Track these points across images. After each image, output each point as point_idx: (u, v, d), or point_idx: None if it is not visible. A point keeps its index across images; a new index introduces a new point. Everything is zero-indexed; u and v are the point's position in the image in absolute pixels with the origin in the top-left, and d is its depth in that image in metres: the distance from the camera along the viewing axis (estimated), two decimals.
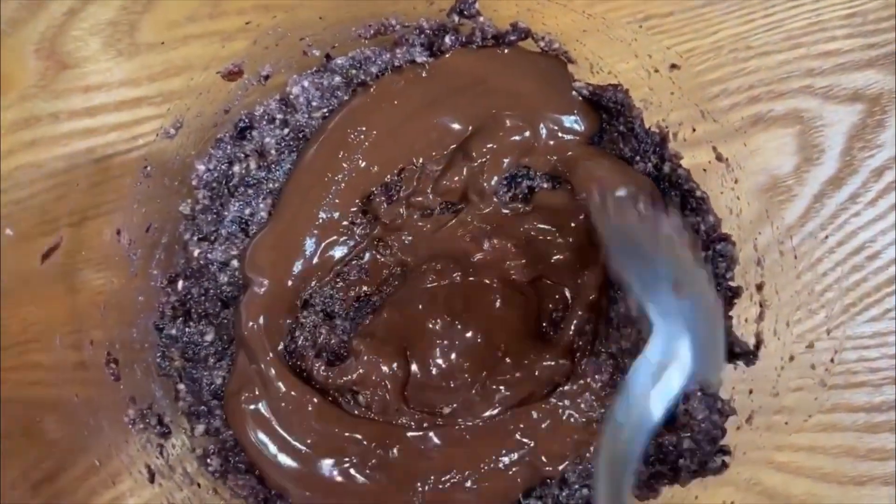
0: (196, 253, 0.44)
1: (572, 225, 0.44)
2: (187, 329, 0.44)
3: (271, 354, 0.42)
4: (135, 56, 0.45)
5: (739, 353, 0.40)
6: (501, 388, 0.44)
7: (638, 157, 0.43)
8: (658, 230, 0.36)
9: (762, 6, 0.44)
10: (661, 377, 0.33)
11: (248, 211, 0.45)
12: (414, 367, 0.44)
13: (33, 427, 0.42)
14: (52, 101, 0.45)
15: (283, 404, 0.42)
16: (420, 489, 0.42)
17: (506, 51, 0.44)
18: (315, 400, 0.43)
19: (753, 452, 0.42)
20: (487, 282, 0.46)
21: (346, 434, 0.43)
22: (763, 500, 0.42)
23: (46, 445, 0.43)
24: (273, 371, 0.42)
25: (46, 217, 0.44)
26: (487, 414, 0.43)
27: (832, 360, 0.38)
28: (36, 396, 0.44)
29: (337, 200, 0.44)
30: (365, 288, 0.46)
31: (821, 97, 0.43)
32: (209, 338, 0.44)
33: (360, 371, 0.44)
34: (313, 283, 0.45)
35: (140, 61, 0.45)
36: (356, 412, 0.44)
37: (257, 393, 0.42)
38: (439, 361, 0.45)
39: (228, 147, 0.45)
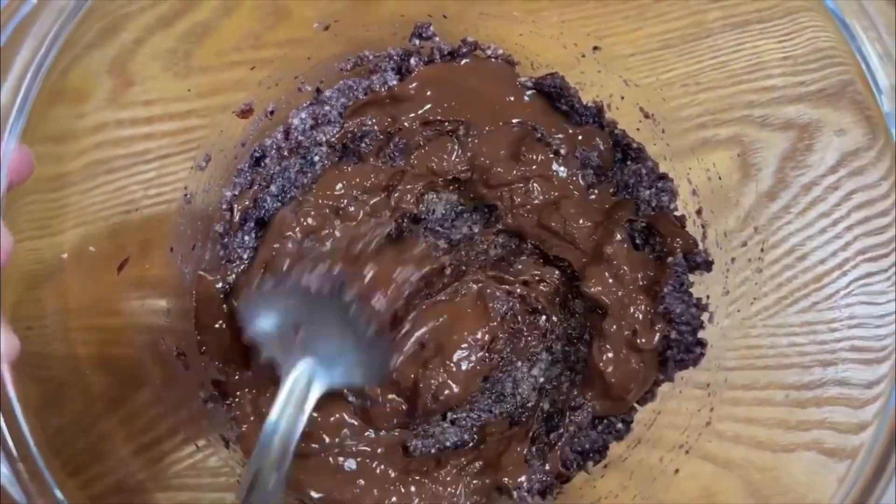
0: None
1: None
2: None
3: None
4: (188, 77, 0.54)
5: (700, 262, 0.52)
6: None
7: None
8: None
9: (710, 50, 0.52)
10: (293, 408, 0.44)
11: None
12: None
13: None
14: (119, 111, 0.54)
15: None
16: None
17: (462, 62, 0.56)
18: None
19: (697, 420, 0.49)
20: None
21: None
22: (706, 463, 0.48)
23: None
24: None
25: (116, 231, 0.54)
26: None
27: (762, 250, 0.49)
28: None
29: None
30: None
31: (758, 125, 0.51)
32: None
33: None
34: None
35: (191, 81, 0.54)
36: None
37: None
38: None
39: (247, 174, 0.56)
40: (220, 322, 0.54)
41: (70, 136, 0.49)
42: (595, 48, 0.53)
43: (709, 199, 0.52)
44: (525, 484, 0.50)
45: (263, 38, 0.55)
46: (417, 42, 0.55)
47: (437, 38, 0.55)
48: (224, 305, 0.54)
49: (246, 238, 0.56)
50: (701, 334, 0.51)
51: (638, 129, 0.55)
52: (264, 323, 0.48)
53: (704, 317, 0.52)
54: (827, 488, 0.39)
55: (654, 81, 0.53)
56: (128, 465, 0.48)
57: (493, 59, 0.56)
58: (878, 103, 0.39)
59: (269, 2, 0.54)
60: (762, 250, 0.50)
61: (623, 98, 0.55)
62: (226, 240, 0.56)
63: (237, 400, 0.53)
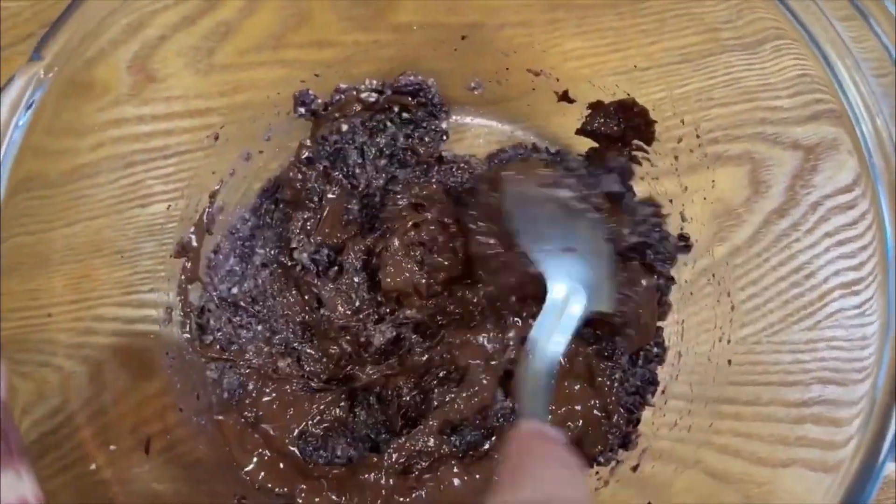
0: None
1: None
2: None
3: None
4: (209, 75, 0.55)
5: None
6: None
7: None
8: (554, 194, 0.47)
9: (724, 67, 0.53)
10: (559, 322, 0.45)
11: None
12: None
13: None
14: (140, 106, 0.55)
15: None
16: None
17: None
18: None
19: (698, 434, 0.49)
20: None
21: None
22: (705, 477, 0.48)
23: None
24: None
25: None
26: None
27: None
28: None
29: None
30: None
31: (770, 142, 0.52)
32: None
33: None
34: None
35: (213, 79, 0.55)
36: None
37: None
38: None
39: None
40: (260, 449, 0.54)
41: (89, 129, 0.50)
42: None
43: (719, 215, 0.52)
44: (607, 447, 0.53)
45: (285, 39, 0.56)
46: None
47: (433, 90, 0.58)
48: (255, 435, 0.55)
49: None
50: (705, 348, 0.52)
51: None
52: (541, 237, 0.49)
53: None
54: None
55: (667, 96, 0.53)
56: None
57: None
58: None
59: (292, 3, 0.54)
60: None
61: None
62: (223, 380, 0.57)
63: None
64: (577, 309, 0.46)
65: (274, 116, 0.58)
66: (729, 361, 0.51)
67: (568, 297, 0.46)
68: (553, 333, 0.45)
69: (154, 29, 0.56)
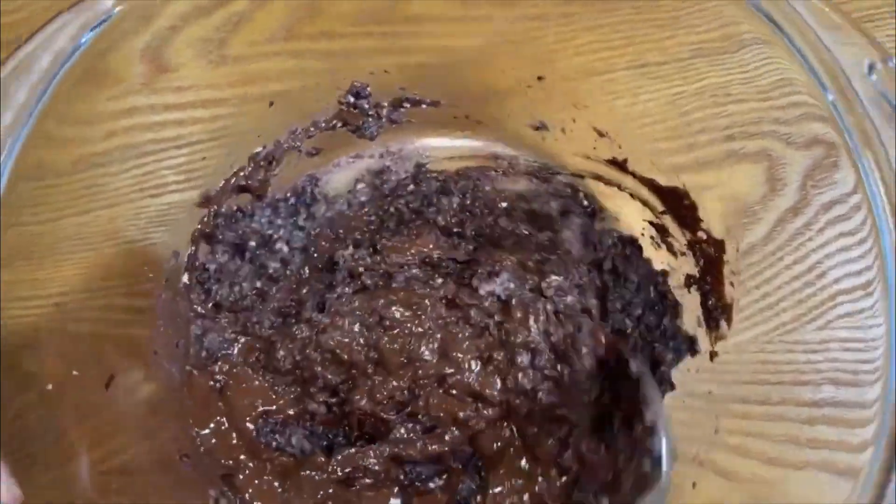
0: None
1: None
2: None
3: None
4: (221, 66, 0.55)
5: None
6: None
7: None
8: None
9: (738, 64, 0.52)
10: None
11: None
12: None
13: None
14: (151, 96, 0.55)
15: None
16: None
17: None
18: None
19: (707, 432, 0.49)
20: None
21: None
22: (713, 476, 0.48)
23: None
24: None
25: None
26: None
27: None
28: None
29: None
30: None
31: (784, 140, 0.51)
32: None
33: None
34: None
35: (224, 70, 0.55)
36: None
37: None
38: None
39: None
40: (219, 417, 0.54)
41: (100, 118, 0.50)
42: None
43: (732, 213, 0.52)
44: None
45: (296, 31, 0.55)
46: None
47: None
48: (220, 403, 0.55)
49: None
50: (718, 346, 0.52)
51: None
52: None
53: None
54: None
55: (685, 91, 0.53)
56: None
57: None
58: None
59: None
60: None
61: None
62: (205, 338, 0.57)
63: (250, 492, 0.53)
64: None
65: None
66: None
67: None
68: None
69: (166, 19, 0.55)
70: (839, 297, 0.48)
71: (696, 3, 0.51)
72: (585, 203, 0.61)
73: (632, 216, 0.60)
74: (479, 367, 0.54)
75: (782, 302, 0.49)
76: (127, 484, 0.48)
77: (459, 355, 0.54)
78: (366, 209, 0.62)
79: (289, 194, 0.61)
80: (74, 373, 0.48)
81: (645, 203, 0.59)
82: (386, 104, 0.60)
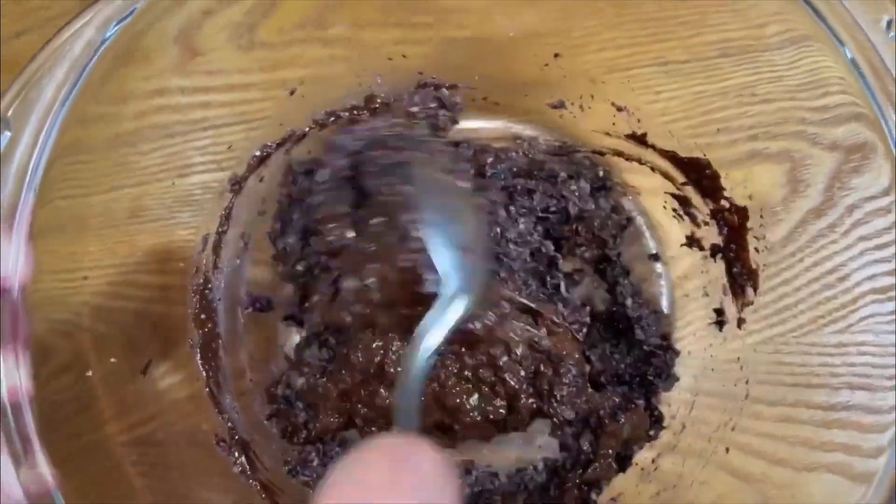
0: None
1: None
2: None
3: None
4: (250, 51, 0.56)
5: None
6: None
7: None
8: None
9: (768, 63, 0.52)
10: (442, 320, 0.44)
11: None
12: None
13: None
14: (182, 78, 0.56)
15: None
16: None
17: None
18: None
19: (719, 431, 0.49)
20: None
21: None
22: (723, 474, 0.48)
23: None
24: None
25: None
26: None
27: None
28: None
29: None
30: None
31: (810, 142, 0.51)
32: None
33: None
34: None
35: (254, 55, 0.56)
36: None
37: None
38: None
39: None
40: None
41: (133, 97, 0.51)
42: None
43: (753, 213, 0.52)
44: None
45: (325, 19, 0.56)
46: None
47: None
48: None
49: None
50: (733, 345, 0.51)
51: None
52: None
53: None
54: None
55: (707, 90, 0.53)
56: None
57: None
58: None
59: None
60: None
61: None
62: None
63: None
64: (460, 307, 0.45)
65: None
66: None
67: (455, 295, 0.45)
68: (433, 328, 0.44)
69: (201, 2, 0.57)
70: (859, 301, 0.47)
71: (725, 2, 0.51)
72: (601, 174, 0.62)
73: (653, 189, 0.61)
74: None
75: (800, 304, 0.49)
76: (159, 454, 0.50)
77: None
78: None
79: None
80: (112, 360, 0.49)
81: (666, 175, 0.59)
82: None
